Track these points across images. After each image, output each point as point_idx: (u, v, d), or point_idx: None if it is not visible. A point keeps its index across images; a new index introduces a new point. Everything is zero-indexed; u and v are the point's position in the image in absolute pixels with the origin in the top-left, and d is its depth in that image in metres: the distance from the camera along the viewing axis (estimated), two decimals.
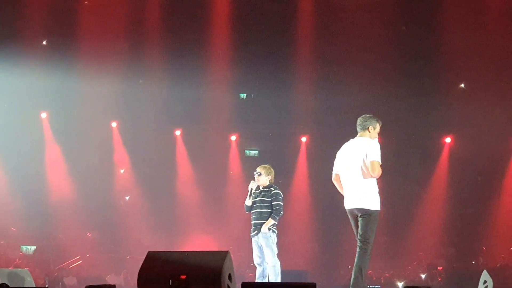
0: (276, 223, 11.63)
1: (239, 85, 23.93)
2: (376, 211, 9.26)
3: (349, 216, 9.53)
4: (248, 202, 11.79)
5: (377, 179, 9.30)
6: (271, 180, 11.82)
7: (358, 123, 9.57)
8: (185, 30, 22.15)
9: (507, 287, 18.68)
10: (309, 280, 18.68)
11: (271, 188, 11.69)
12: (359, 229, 9.33)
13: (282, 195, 11.70)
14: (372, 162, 9.09)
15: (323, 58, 23.39)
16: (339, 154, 9.64)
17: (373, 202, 9.24)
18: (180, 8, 22.13)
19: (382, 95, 22.96)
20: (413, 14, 22.81)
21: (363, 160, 9.20)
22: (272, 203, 11.55)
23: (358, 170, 9.27)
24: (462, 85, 24.48)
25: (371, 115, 9.57)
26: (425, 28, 22.59)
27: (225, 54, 22.92)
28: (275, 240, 11.57)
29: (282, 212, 11.58)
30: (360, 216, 9.28)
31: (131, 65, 22.39)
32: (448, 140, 24.27)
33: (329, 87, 23.35)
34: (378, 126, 9.58)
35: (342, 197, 24.04)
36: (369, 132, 9.49)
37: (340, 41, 23.05)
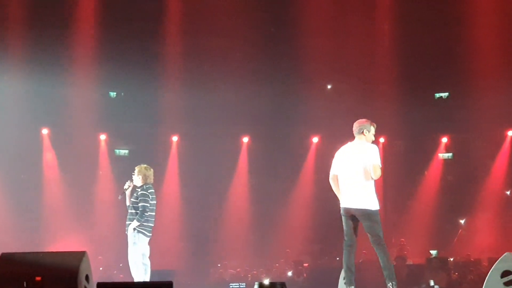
0: (147, 224, 11.56)
1: (108, 84, 23.59)
2: (377, 210, 9.72)
3: (344, 215, 9.91)
4: (127, 201, 11.76)
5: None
6: (145, 179, 11.70)
7: (353, 128, 10.00)
8: (51, 27, 21.67)
9: (366, 282, 19.35)
10: (178, 279, 18.68)
11: (138, 189, 11.65)
12: (367, 231, 9.79)
13: (150, 196, 11.60)
14: (374, 166, 9.60)
15: (194, 57, 23.46)
16: (339, 155, 9.97)
17: (373, 202, 9.69)
18: (45, 5, 21.65)
19: (251, 94, 23.30)
20: (282, 17, 23.26)
21: (364, 163, 9.66)
22: (138, 204, 11.51)
23: (359, 172, 9.69)
24: (329, 86, 25.17)
25: (364, 119, 10.05)
26: (293, 29, 23.09)
27: (94, 52, 22.59)
28: (140, 241, 11.50)
29: (146, 213, 11.49)
30: (361, 216, 9.73)
31: None
32: (315, 139, 24.84)
33: (200, 86, 23.42)
34: (372, 129, 10.03)
35: (213, 196, 24.13)
36: (364, 135, 9.93)
37: (211, 41, 23.20)
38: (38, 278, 6.78)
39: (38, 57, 21.78)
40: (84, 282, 7.00)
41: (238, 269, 21.96)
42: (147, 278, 11.47)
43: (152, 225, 11.72)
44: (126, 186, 11.81)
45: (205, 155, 23.71)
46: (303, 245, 23.68)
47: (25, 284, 6.77)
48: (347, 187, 9.84)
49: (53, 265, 6.94)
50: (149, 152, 23.74)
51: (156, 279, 11.89)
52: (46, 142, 23.27)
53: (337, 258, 22.61)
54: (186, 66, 23.47)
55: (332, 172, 10.01)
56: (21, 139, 22.30)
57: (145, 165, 11.87)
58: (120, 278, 19.47)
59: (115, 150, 24.45)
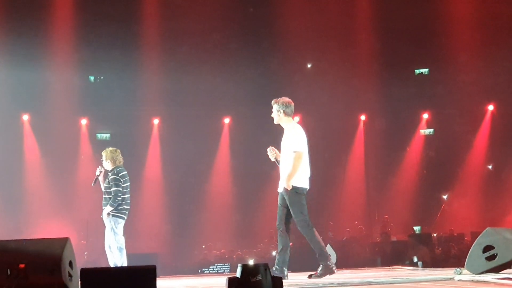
0: (122, 207, 11.50)
1: (87, 68, 23.46)
2: None
3: (304, 195, 9.84)
4: (102, 186, 11.70)
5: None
6: (113, 162, 11.63)
7: (292, 108, 10.20)
8: (28, 11, 21.47)
9: (350, 258, 19.51)
10: (162, 262, 18.72)
11: (109, 173, 11.60)
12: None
13: (122, 179, 11.48)
14: None
15: (172, 39, 23.36)
16: (304, 135, 9.93)
17: None
18: None
19: (232, 75, 23.25)
20: None
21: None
22: (111, 189, 11.46)
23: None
24: (309, 65, 25.17)
25: None
26: (272, 9, 23.05)
27: (72, 36, 22.41)
28: (117, 225, 11.45)
29: (119, 197, 11.41)
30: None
31: None
32: (296, 119, 24.82)
33: (180, 68, 23.37)
34: None
35: (195, 178, 24.09)
36: None
37: (190, 22, 23.08)
38: (21, 266, 6.73)
39: (16, 43, 21.61)
40: (68, 268, 6.96)
41: (222, 250, 22.01)
42: (124, 261, 11.39)
43: (128, 207, 11.60)
44: (97, 172, 11.76)
45: (187, 137, 23.69)
46: None
47: (8, 272, 6.71)
48: (307, 168, 9.90)
49: (37, 252, 6.89)
50: (130, 135, 23.76)
51: (140, 263, 11.89)
52: (27, 128, 23.14)
53: (321, 237, 22.68)
54: (165, 49, 23.36)
55: (304, 149, 9.84)
56: (1, 125, 22.13)
57: (111, 148, 11.81)
58: (104, 262, 19.40)
59: (97, 134, 24.38)
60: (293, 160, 9.69)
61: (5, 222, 21.05)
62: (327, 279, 9.54)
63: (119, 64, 22.90)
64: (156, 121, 24.53)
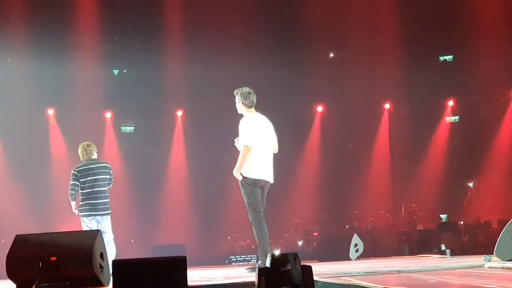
0: (83, 202, 11.28)
1: (110, 61, 23.51)
2: None
3: (257, 187, 9.73)
4: None
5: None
6: (83, 156, 11.38)
7: (253, 99, 9.92)
8: (52, 6, 21.55)
9: (377, 248, 19.48)
10: (188, 253, 18.78)
11: None
12: (264, 200, 9.77)
13: (78, 174, 11.15)
14: (276, 142, 9.89)
15: (195, 31, 23.32)
16: (259, 126, 9.80)
17: None
18: None
19: (254, 66, 23.19)
20: None
21: (275, 138, 9.94)
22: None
23: (272, 146, 9.84)
24: (332, 55, 25.07)
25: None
26: None
27: (94, 30, 22.46)
28: (87, 223, 11.15)
29: (74, 191, 11.19)
30: (265, 189, 9.83)
31: None
32: (319, 108, 24.80)
33: (203, 59, 23.34)
34: None
35: (220, 169, 24.13)
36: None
37: (211, 13, 23.07)
38: (53, 258, 6.80)
39: (40, 37, 21.67)
40: (99, 260, 7.03)
41: (248, 241, 22.01)
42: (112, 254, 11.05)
43: (92, 202, 11.20)
44: None
45: (211, 128, 23.70)
46: (312, 214, 23.75)
47: (40, 265, 6.79)
48: (266, 159, 9.79)
49: (68, 245, 6.96)
50: (154, 128, 23.87)
51: (169, 254, 11.89)
52: (52, 122, 23.27)
53: (347, 226, 22.68)
54: (188, 40, 23.35)
55: (253, 142, 9.68)
56: (27, 120, 22.30)
57: (83, 143, 11.51)
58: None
59: (121, 127, 24.46)
60: (240, 154, 9.68)
61: (35, 216, 21.20)
62: (356, 268, 9.53)
63: (142, 57, 22.93)
64: (179, 113, 24.55)
